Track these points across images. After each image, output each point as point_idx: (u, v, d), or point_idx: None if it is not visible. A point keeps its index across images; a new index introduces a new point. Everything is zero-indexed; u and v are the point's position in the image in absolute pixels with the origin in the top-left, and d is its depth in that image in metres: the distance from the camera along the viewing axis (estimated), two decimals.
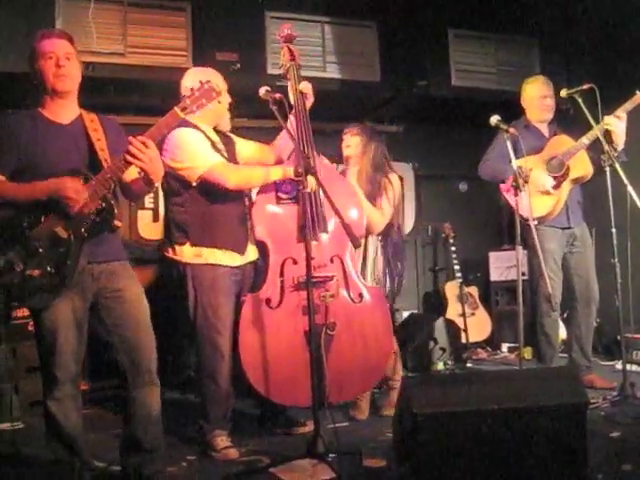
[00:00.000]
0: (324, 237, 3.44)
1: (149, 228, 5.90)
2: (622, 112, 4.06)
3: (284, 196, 3.40)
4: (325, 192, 3.11)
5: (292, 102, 3.47)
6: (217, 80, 3.28)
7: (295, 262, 3.35)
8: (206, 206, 3.30)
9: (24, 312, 4.04)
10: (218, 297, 3.30)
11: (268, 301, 3.31)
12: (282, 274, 3.35)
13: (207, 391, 3.33)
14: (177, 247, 3.33)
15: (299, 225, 3.35)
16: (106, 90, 4.92)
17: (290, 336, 3.25)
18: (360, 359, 3.37)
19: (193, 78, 3.30)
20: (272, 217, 3.41)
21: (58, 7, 4.65)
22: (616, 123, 4.03)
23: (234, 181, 3.25)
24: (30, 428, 3.74)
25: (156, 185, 2.81)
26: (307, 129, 3.45)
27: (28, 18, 4.43)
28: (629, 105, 4.08)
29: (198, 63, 4.95)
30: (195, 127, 3.31)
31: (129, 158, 2.53)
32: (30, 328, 3.94)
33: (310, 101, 3.56)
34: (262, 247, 3.45)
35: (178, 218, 3.33)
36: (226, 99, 3.47)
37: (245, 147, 3.63)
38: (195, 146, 3.26)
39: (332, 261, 3.42)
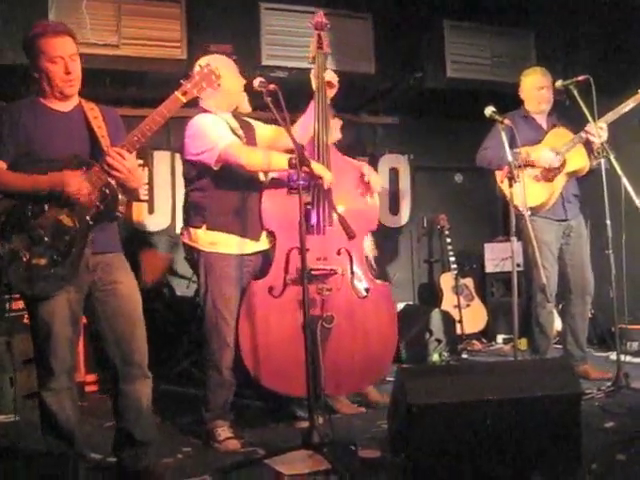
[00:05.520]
0: (331, 230, 3.44)
1: (144, 219, 5.89)
2: (604, 122, 4.08)
3: (295, 186, 3.41)
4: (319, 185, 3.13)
5: (314, 89, 3.55)
6: (223, 63, 3.38)
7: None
8: (225, 191, 3.33)
9: (19, 304, 4.04)
10: (228, 287, 3.33)
11: (271, 289, 3.36)
12: (287, 264, 3.37)
13: (210, 379, 3.36)
14: (193, 230, 3.37)
15: (307, 216, 3.39)
16: (100, 82, 4.90)
17: (289, 326, 3.27)
18: (361, 354, 3.38)
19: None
20: (280, 207, 3.42)
21: None
22: (599, 133, 4.05)
23: (247, 160, 3.26)
24: (26, 421, 3.74)
25: (136, 192, 2.80)
26: (325, 117, 3.52)
27: (21, 9, 4.39)
28: (613, 114, 4.10)
29: (193, 54, 4.94)
30: (210, 113, 3.38)
31: (106, 169, 2.53)
32: (25, 320, 3.95)
33: (333, 90, 3.60)
34: (271, 236, 3.48)
35: (197, 201, 3.38)
36: (239, 81, 3.49)
37: (264, 131, 3.64)
38: (210, 129, 3.30)
39: (339, 253, 3.43)
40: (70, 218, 2.54)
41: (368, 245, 4.05)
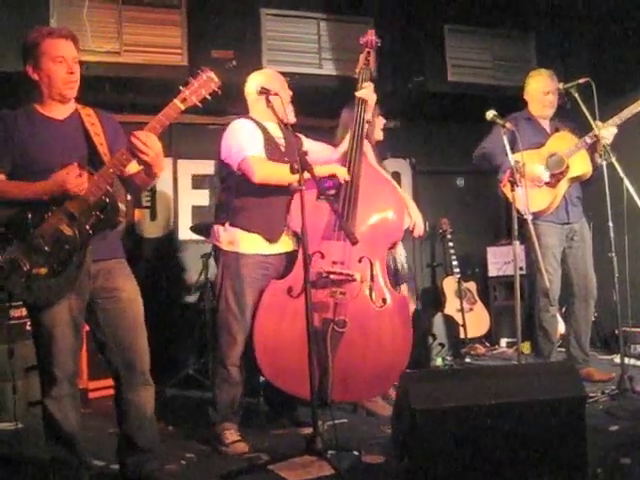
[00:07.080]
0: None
1: (147, 226, 5.90)
2: (613, 124, 4.08)
3: (324, 192, 3.44)
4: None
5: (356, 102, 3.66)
6: (271, 75, 3.61)
7: (323, 256, 3.43)
8: (252, 191, 3.38)
9: (22, 312, 4.04)
10: (242, 284, 3.37)
11: (290, 289, 3.38)
12: None
13: (216, 375, 3.42)
14: (217, 228, 3.47)
15: (331, 222, 3.45)
16: (101, 89, 4.90)
17: (302, 327, 3.25)
18: (371, 363, 3.36)
19: (255, 82, 3.53)
20: (308, 210, 3.41)
21: (52, 5, 4.61)
22: (611, 134, 4.04)
23: (259, 175, 3.31)
24: (29, 428, 3.73)
25: (157, 178, 2.80)
26: (361, 128, 3.59)
27: (22, 17, 4.40)
28: (627, 113, 4.08)
29: (194, 61, 4.95)
30: (251, 119, 3.48)
31: (135, 150, 2.51)
32: (28, 328, 3.94)
33: (373, 99, 3.68)
34: (296, 237, 3.50)
35: (224, 200, 3.51)
36: (285, 93, 3.52)
37: (309, 145, 3.67)
38: (240, 136, 3.39)
39: (360, 261, 3.43)
40: (70, 227, 2.54)
41: (401, 253, 4.04)
